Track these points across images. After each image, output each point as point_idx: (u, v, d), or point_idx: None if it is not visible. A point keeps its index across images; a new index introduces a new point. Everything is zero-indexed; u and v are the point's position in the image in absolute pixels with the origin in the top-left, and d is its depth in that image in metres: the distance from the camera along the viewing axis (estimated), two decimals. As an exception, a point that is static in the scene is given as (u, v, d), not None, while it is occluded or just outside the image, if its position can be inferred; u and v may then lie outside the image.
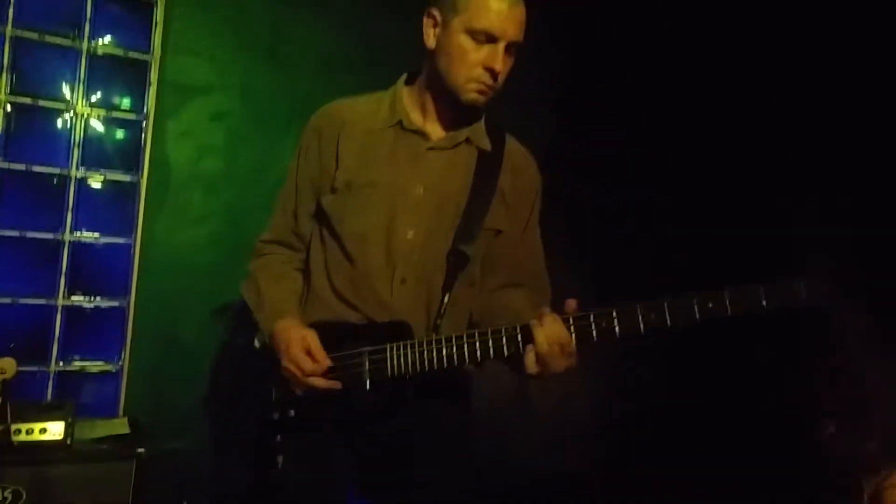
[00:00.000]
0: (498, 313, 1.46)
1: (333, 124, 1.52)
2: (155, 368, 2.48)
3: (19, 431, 1.91)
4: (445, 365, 1.33)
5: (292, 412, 1.43)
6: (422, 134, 1.48)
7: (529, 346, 1.26)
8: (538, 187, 1.59)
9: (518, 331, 1.29)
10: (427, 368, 1.34)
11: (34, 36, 2.39)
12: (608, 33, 3.08)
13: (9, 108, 2.36)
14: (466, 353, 1.32)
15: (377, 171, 1.46)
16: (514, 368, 1.33)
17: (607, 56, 3.08)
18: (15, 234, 2.37)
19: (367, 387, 1.38)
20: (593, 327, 1.25)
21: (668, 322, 1.22)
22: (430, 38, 1.44)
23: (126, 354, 2.46)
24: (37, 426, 1.93)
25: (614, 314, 1.24)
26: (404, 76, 1.56)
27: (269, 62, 2.66)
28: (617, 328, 1.24)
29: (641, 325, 1.22)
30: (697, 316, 1.21)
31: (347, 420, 1.40)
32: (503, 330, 1.31)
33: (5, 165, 2.35)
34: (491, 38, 1.36)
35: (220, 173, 2.59)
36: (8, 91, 2.35)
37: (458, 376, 1.48)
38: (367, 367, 1.38)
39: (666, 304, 1.22)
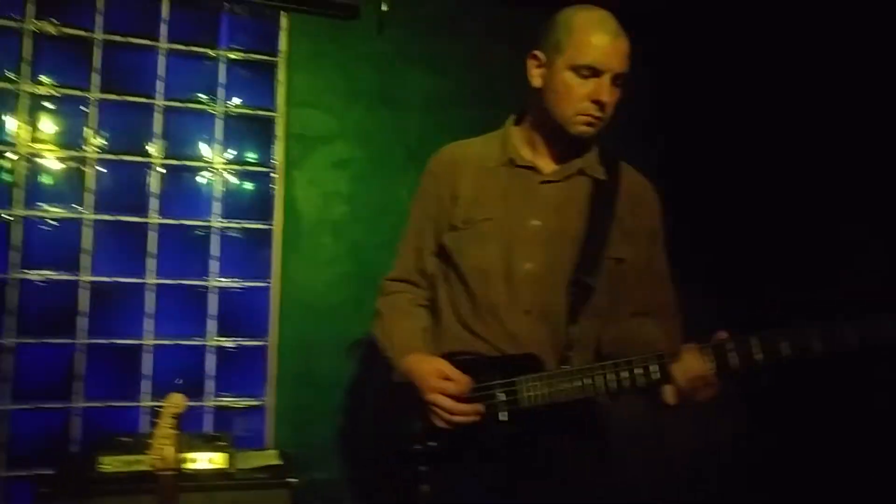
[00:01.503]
0: (629, 343, 1.47)
1: (449, 166, 1.61)
2: (297, 403, 2.66)
3: (189, 460, 2.12)
4: (580, 396, 1.36)
5: (434, 443, 1.48)
6: (533, 169, 1.53)
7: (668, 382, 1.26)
8: (658, 214, 1.60)
9: (656, 362, 1.30)
10: (561, 400, 1.37)
11: (179, 104, 2.68)
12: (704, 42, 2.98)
13: (163, 170, 2.64)
14: (602, 384, 1.35)
15: (493, 207, 1.53)
16: (649, 397, 1.34)
17: (708, 68, 2.98)
18: (171, 281, 2.63)
19: (502, 419, 1.42)
20: (735, 356, 1.23)
21: (820, 348, 1.18)
22: (536, 77, 1.50)
23: (270, 390, 2.66)
24: (205, 456, 2.13)
25: (758, 342, 1.23)
26: (512, 117, 1.62)
27: (382, 107, 2.82)
28: (760, 356, 1.22)
29: (789, 352, 1.19)
30: (856, 343, 1.16)
31: (485, 451, 1.44)
32: (640, 361, 1.32)
33: (161, 221, 2.63)
34: (596, 73, 1.41)
35: (346, 216, 2.76)
36: (163, 156, 2.64)
37: (592, 406, 1.50)
38: (501, 398, 1.43)
39: (820, 330, 1.19)
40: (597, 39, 1.39)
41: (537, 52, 1.49)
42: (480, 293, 1.50)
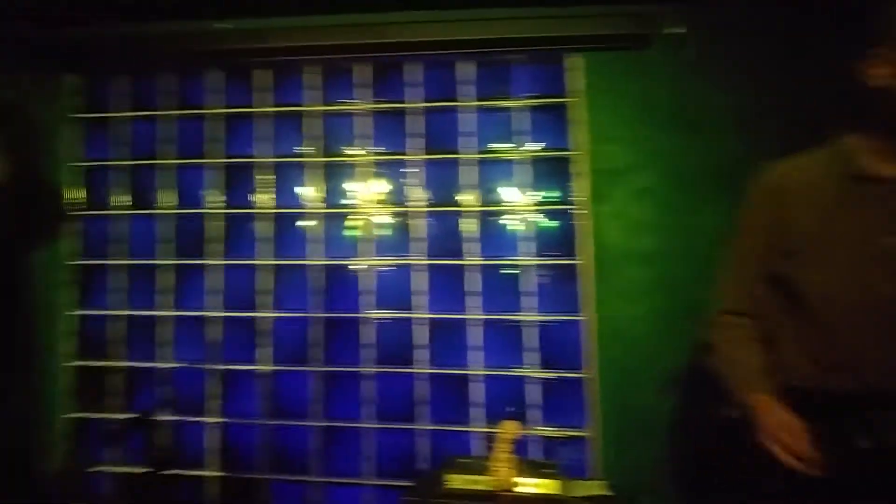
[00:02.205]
0: None
1: (776, 190, 1.53)
2: (618, 433, 2.70)
3: (523, 484, 2.28)
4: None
5: (780, 480, 1.42)
6: (880, 180, 1.39)
7: None
8: None
9: None
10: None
11: (484, 155, 2.96)
12: None
13: (481, 216, 2.94)
14: None
15: (835, 228, 1.41)
16: None
17: None
18: (491, 317, 2.89)
19: (864, 456, 1.30)
20: None
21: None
22: (880, 76, 1.36)
23: (591, 421, 2.74)
24: (537, 481, 2.28)
25: None
26: (845, 129, 1.49)
27: (685, 133, 2.77)
28: None
29: None
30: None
31: (842, 488, 1.33)
32: None
33: (482, 262, 2.90)
34: None
35: (654, 247, 2.75)
36: (481, 203, 2.94)
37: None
38: (860, 434, 1.31)
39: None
40: None
41: (881, 49, 1.35)
42: (829, 322, 1.40)
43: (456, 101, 2.99)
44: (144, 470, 2.88)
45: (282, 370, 3.03)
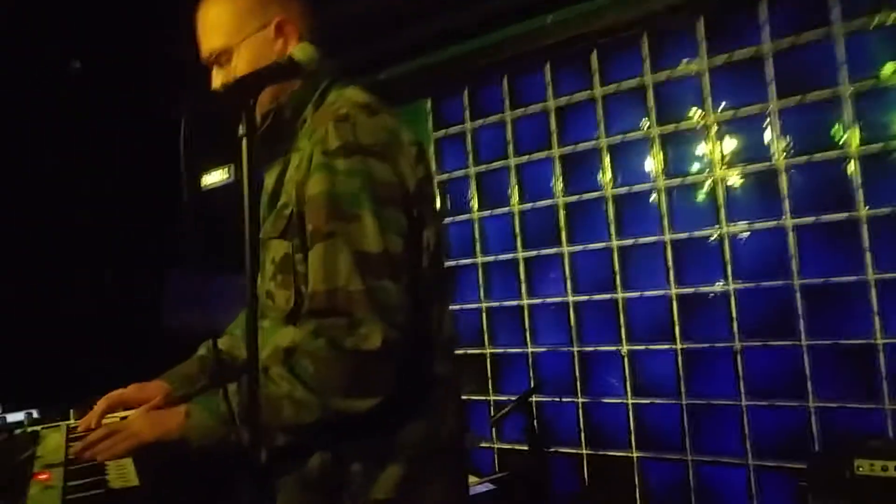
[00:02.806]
0: None
1: None
2: None
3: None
4: None
5: None
6: None
7: None
8: None
9: None
10: None
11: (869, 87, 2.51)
12: None
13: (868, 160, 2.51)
14: None
15: None
16: None
17: None
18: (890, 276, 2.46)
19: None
20: None
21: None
22: None
23: None
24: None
25: None
26: None
27: None
28: None
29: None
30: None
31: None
32: None
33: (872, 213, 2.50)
34: None
35: None
36: (859, 145, 2.50)
37: None
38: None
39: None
40: None
41: None
42: None
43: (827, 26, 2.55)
44: (525, 447, 3.11)
45: (644, 349, 3.01)
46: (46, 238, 3.27)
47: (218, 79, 1.30)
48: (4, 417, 1.54)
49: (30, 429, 1.50)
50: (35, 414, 1.57)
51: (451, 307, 1.36)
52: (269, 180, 1.33)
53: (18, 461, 1.25)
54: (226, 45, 1.28)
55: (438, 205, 1.30)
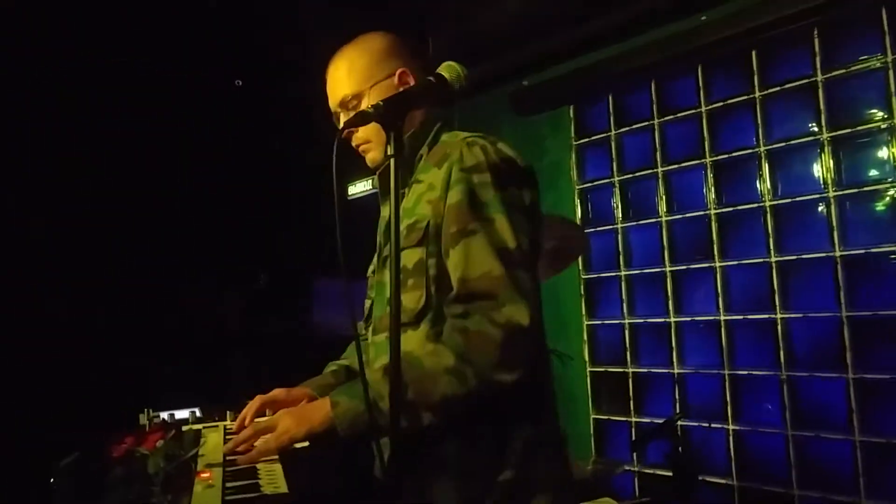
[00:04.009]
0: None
1: None
2: None
3: None
4: None
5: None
6: None
7: None
8: None
9: None
10: None
11: None
12: None
13: None
14: None
15: None
16: None
17: None
18: None
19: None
20: None
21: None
22: None
23: None
24: None
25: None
26: None
27: None
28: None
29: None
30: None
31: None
32: None
33: None
34: None
35: None
36: None
37: None
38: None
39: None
40: None
41: None
42: None
43: None
44: (669, 473, 2.94)
45: (807, 376, 2.75)
46: (204, 246, 3.54)
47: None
48: (173, 414, 1.65)
49: (194, 427, 1.58)
50: (198, 413, 1.67)
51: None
52: (386, 211, 1.51)
53: (186, 458, 1.32)
54: (356, 91, 1.47)
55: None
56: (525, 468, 1.29)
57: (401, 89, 1.42)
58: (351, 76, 1.47)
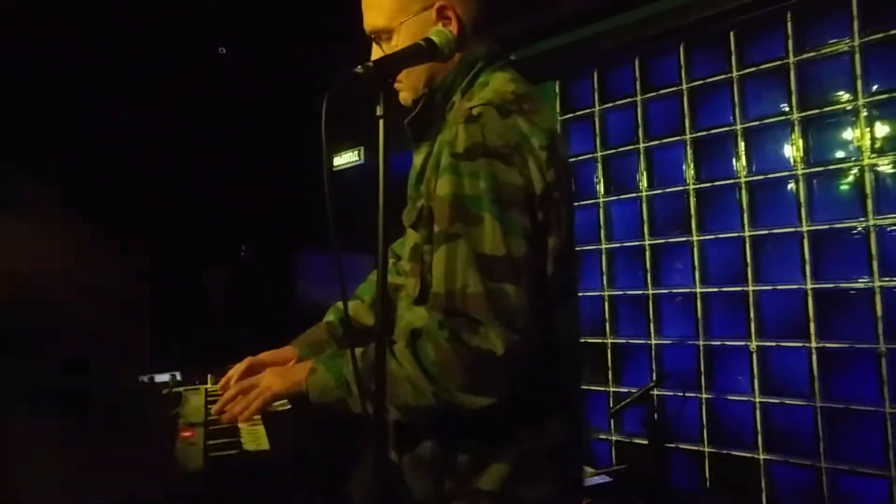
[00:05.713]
0: None
1: None
2: None
3: None
4: None
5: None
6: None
7: None
8: None
9: None
10: None
11: None
12: None
13: None
14: None
15: None
16: None
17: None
18: None
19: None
20: None
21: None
22: None
23: None
24: None
25: None
26: None
27: None
28: None
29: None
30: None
31: None
32: None
33: None
34: None
35: None
36: None
37: None
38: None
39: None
40: None
41: None
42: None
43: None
44: (644, 441, 3.17)
45: (774, 346, 2.98)
46: (191, 216, 3.70)
47: (377, 56, 1.35)
48: (153, 377, 1.70)
49: (174, 390, 1.65)
50: (178, 377, 1.72)
51: (577, 316, 1.41)
52: (419, 160, 1.40)
53: (167, 418, 1.39)
54: (387, 26, 1.35)
55: (570, 212, 1.33)
56: (511, 483, 1.24)
57: (438, 25, 1.30)
58: (383, 4, 1.35)
